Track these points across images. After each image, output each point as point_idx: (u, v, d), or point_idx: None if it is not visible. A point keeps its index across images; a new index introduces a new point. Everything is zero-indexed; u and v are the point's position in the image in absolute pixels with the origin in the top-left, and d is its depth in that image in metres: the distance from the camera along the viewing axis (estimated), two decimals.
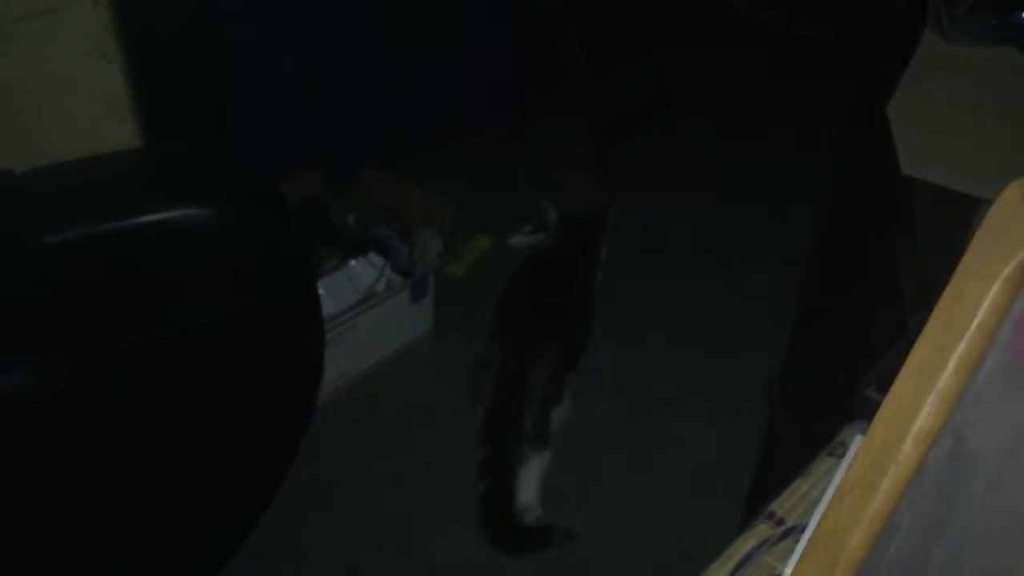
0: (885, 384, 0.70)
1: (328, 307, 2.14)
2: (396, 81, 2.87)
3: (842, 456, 0.79)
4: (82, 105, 1.57)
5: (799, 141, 3.31)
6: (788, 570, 0.68)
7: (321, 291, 2.15)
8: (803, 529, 0.71)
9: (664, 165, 3.25)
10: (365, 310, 2.17)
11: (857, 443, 0.78)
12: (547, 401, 2.01)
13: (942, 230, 1.03)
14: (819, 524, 0.50)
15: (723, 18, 4.13)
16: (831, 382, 1.28)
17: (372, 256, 2.23)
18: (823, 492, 0.75)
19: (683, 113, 3.44)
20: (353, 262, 2.20)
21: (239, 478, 1.62)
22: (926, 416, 0.44)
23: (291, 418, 1.65)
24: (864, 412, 0.79)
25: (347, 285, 2.19)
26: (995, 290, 0.41)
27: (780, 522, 0.72)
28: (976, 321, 0.42)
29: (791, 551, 0.70)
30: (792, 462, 0.83)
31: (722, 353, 2.39)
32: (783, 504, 0.74)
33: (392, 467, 2.08)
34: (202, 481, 1.52)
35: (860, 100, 1.28)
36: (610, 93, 3.22)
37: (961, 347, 0.43)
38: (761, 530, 0.72)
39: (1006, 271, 0.40)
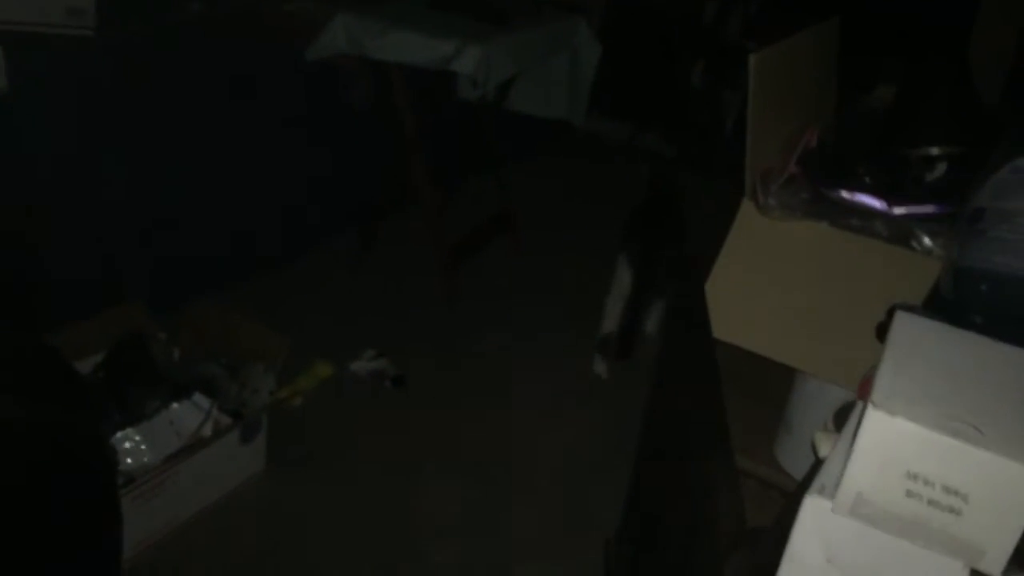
0: None
1: (147, 456, 1.99)
2: (228, 204, 2.75)
3: None
4: None
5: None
6: None
7: (138, 439, 2.00)
8: None
9: (510, 283, 3.25)
10: (188, 457, 2.02)
11: None
12: None
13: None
14: None
15: (567, 129, 4.24)
16: (664, 557, 1.25)
17: (198, 397, 2.09)
18: None
19: (528, 227, 3.47)
20: (176, 405, 2.06)
21: None
22: None
23: None
24: None
25: (168, 430, 2.04)
26: None
27: None
28: None
29: None
30: None
31: (571, 486, 2.35)
32: None
33: None
34: None
35: (679, 281, 1.29)
36: (456, 211, 3.23)
37: None
38: None
39: None
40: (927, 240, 1.41)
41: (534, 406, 2.66)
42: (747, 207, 1.51)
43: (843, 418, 0.95)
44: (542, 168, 3.96)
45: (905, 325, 0.72)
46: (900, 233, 1.42)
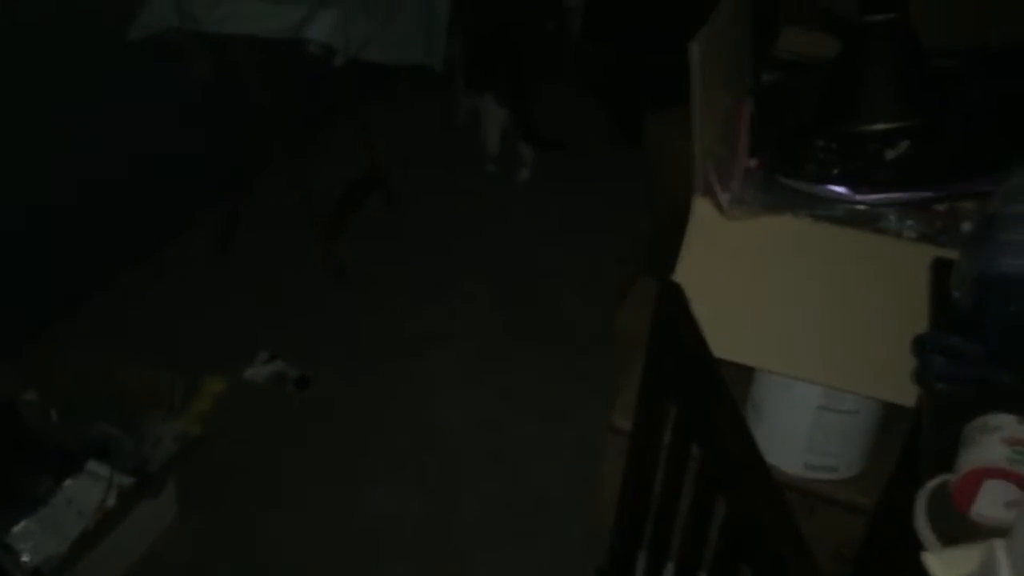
0: None
1: (51, 547, 1.75)
2: (61, 210, 2.38)
3: None
4: None
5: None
6: None
7: (37, 530, 1.75)
8: None
9: (395, 246, 3.04)
10: (98, 540, 1.79)
11: None
12: None
13: None
14: None
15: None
16: None
17: (92, 466, 1.84)
18: None
19: (400, 176, 3.23)
20: (70, 481, 1.81)
21: None
22: None
23: None
24: None
25: (68, 511, 1.79)
26: None
27: None
28: None
29: None
30: None
31: (506, 470, 2.25)
32: None
33: None
34: None
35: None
36: (323, 171, 2.96)
37: None
38: None
39: None
40: (894, 220, 1.35)
41: (449, 374, 2.52)
42: (702, 206, 1.40)
43: (942, 518, 0.86)
44: (404, 102, 3.67)
45: None
46: (868, 217, 1.35)
